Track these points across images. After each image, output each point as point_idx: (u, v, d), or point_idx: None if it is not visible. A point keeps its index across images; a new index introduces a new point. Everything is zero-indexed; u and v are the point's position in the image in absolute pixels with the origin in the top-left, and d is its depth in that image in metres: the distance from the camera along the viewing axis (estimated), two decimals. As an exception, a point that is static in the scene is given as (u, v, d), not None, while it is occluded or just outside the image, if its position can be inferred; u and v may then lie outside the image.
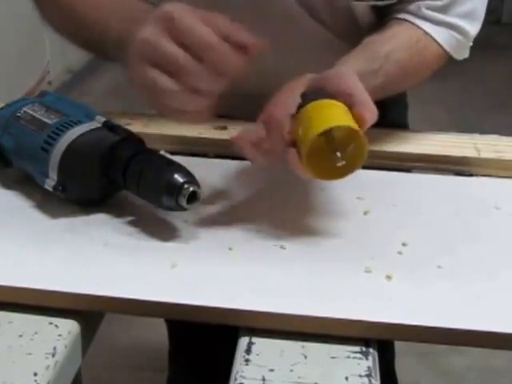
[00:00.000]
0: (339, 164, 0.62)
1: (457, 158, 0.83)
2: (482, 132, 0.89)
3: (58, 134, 0.68)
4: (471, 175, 0.82)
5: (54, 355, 0.54)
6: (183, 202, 0.64)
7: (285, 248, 0.65)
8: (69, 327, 0.57)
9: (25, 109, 0.73)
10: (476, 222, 0.71)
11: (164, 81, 0.60)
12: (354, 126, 0.61)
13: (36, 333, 0.56)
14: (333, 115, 0.62)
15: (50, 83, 2.94)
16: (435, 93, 3.12)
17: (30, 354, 0.54)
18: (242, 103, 0.90)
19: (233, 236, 0.66)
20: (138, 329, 1.77)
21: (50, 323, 0.57)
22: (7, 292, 0.59)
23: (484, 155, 0.83)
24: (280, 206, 0.72)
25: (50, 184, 0.68)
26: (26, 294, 0.58)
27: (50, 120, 0.70)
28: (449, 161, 0.83)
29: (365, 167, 0.81)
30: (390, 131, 0.88)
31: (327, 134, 0.61)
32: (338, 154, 0.62)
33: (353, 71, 0.71)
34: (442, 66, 0.85)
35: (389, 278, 0.61)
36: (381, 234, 0.69)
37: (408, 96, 1.00)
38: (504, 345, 0.57)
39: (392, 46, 0.79)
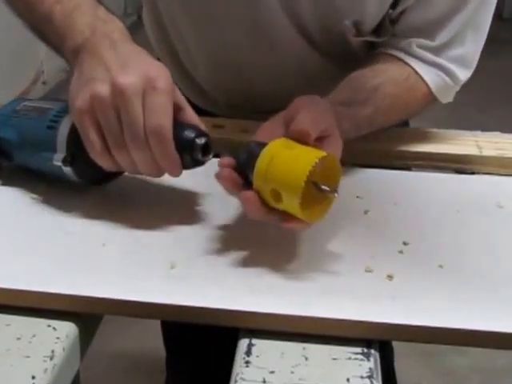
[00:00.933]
0: (335, 195, 0.60)
1: (458, 156, 0.82)
2: (484, 129, 0.88)
3: (65, 111, 0.68)
4: (473, 173, 0.82)
5: (52, 358, 0.54)
6: (198, 155, 0.64)
7: (284, 248, 0.64)
8: (67, 330, 0.57)
9: (24, 103, 0.74)
10: (478, 221, 0.71)
11: (95, 139, 0.63)
12: (324, 153, 0.60)
13: (34, 335, 0.56)
14: (300, 155, 0.60)
15: (44, 83, 2.93)
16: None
17: (27, 356, 0.54)
18: (237, 108, 0.91)
19: (232, 236, 0.65)
20: (136, 331, 1.77)
21: (48, 326, 0.57)
22: (4, 294, 0.58)
23: (486, 153, 0.83)
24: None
25: (58, 158, 0.67)
26: (24, 296, 0.58)
27: (52, 105, 0.71)
28: (450, 159, 0.82)
29: (365, 166, 0.81)
30: (390, 129, 0.87)
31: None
32: (324, 187, 0.59)
33: (335, 102, 0.71)
34: (425, 107, 0.84)
35: (390, 277, 0.61)
36: (381, 233, 0.68)
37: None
38: (506, 345, 0.57)
39: (381, 79, 0.79)
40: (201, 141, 0.64)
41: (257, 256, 0.63)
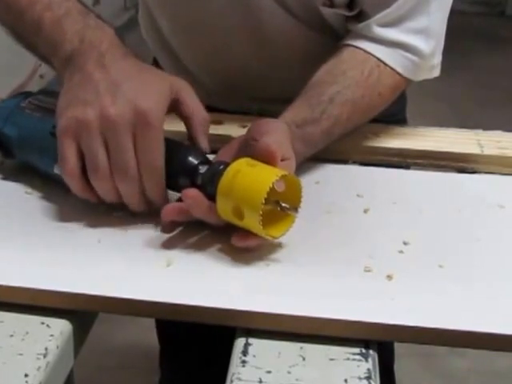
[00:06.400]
0: (295, 214, 0.61)
1: (459, 155, 0.82)
2: (486, 127, 0.88)
3: None
4: (474, 172, 0.81)
5: (45, 356, 0.53)
6: (199, 181, 0.64)
7: (282, 247, 0.64)
8: (61, 327, 0.56)
9: (29, 99, 0.73)
10: (479, 221, 0.70)
11: (74, 161, 0.62)
12: (285, 172, 0.61)
13: (27, 333, 0.55)
14: (262, 173, 0.61)
15: (41, 77, 2.91)
16: (437, 87, 3.10)
17: (21, 354, 0.53)
18: (230, 95, 0.90)
19: (229, 234, 0.65)
20: (130, 329, 1.77)
21: (42, 323, 0.56)
22: (-2, 291, 0.58)
23: (487, 152, 0.82)
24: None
25: (59, 168, 0.66)
26: (17, 292, 0.57)
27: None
28: (451, 157, 0.82)
29: (365, 164, 0.81)
30: (390, 127, 0.87)
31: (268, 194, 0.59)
32: (285, 205, 0.60)
33: (290, 123, 0.70)
34: (401, 91, 0.83)
35: (389, 277, 0.60)
36: (381, 232, 0.67)
37: (408, 90, 0.99)
38: (506, 347, 0.56)
39: (339, 87, 0.76)
40: (203, 169, 0.64)
41: (254, 255, 0.63)
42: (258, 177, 0.60)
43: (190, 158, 0.65)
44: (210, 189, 0.62)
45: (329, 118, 0.75)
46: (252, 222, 0.60)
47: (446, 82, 3.27)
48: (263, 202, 0.58)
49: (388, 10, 0.78)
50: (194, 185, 0.64)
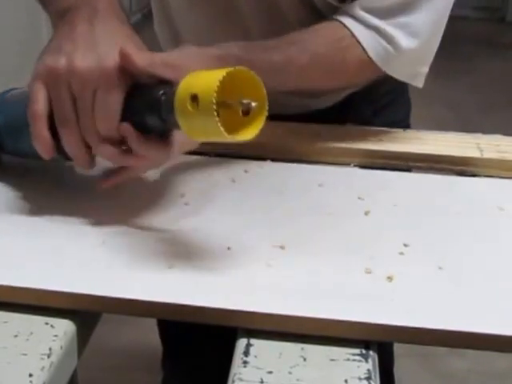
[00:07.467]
0: (254, 104, 0.56)
1: (459, 158, 0.82)
2: (486, 131, 0.88)
3: None
4: (474, 175, 0.81)
5: (49, 356, 0.53)
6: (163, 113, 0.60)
7: (284, 248, 0.64)
8: (65, 327, 0.56)
9: (13, 91, 0.74)
10: (478, 223, 0.71)
11: (41, 104, 0.62)
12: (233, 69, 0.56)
13: (31, 333, 0.55)
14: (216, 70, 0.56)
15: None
16: (438, 91, 3.11)
17: (25, 354, 0.53)
18: None
19: (231, 236, 0.65)
20: (133, 329, 1.77)
21: (46, 323, 0.57)
22: (2, 291, 0.58)
23: (487, 155, 0.82)
24: (280, 206, 0.72)
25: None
26: (22, 293, 0.58)
27: None
28: (451, 161, 0.82)
29: (366, 167, 0.81)
30: (391, 130, 0.87)
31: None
32: (246, 100, 0.56)
33: (236, 48, 0.69)
34: (368, 77, 0.81)
35: (390, 278, 0.61)
36: (382, 234, 0.68)
37: (411, 94, 1.00)
38: (506, 347, 0.56)
39: (306, 36, 0.76)
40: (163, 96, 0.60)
41: (256, 256, 0.63)
42: (210, 72, 0.57)
43: (154, 92, 0.61)
44: (168, 113, 0.59)
45: (280, 53, 0.74)
46: (208, 109, 0.55)
47: (446, 87, 3.29)
48: (218, 84, 0.54)
49: (377, 4, 0.77)
50: (163, 121, 0.61)
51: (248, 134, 0.57)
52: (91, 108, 0.62)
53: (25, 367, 0.52)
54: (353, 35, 0.77)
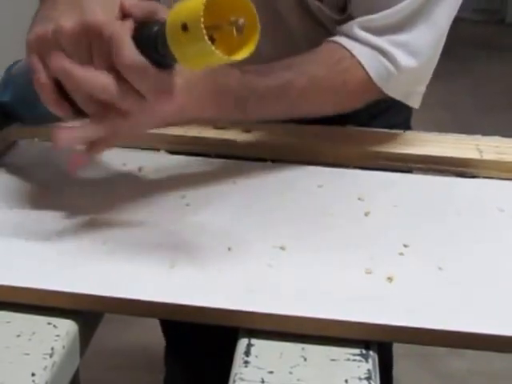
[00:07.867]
0: (242, 20, 0.56)
1: (459, 160, 0.82)
2: (485, 133, 0.89)
3: None
4: (473, 177, 0.82)
5: (51, 355, 0.54)
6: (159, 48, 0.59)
7: (284, 249, 0.65)
8: (67, 327, 0.57)
9: (19, 63, 0.73)
10: (478, 224, 0.71)
11: (43, 73, 0.61)
12: None
13: (34, 333, 0.56)
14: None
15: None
16: (438, 93, 3.11)
17: (27, 354, 0.54)
18: None
19: (232, 236, 0.66)
20: (135, 329, 1.77)
21: (49, 323, 0.57)
22: (5, 291, 0.58)
23: (486, 157, 0.83)
24: (280, 207, 0.72)
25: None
26: (24, 293, 0.58)
27: None
28: (451, 162, 0.82)
29: (366, 168, 0.82)
30: (391, 132, 0.88)
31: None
32: (233, 18, 0.56)
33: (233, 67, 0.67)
34: (367, 99, 0.79)
35: (390, 279, 0.61)
36: (382, 235, 0.68)
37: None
38: (506, 348, 0.57)
39: (304, 58, 0.75)
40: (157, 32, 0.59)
41: (256, 256, 0.63)
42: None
43: (149, 30, 0.60)
44: (163, 47, 0.58)
45: (277, 79, 0.72)
46: (196, 30, 0.54)
47: (445, 89, 3.28)
48: (203, 8, 0.53)
49: (372, 16, 0.76)
50: (161, 54, 0.59)
51: (244, 52, 0.57)
52: (89, 61, 0.60)
53: (27, 367, 0.52)
54: (352, 56, 0.76)
